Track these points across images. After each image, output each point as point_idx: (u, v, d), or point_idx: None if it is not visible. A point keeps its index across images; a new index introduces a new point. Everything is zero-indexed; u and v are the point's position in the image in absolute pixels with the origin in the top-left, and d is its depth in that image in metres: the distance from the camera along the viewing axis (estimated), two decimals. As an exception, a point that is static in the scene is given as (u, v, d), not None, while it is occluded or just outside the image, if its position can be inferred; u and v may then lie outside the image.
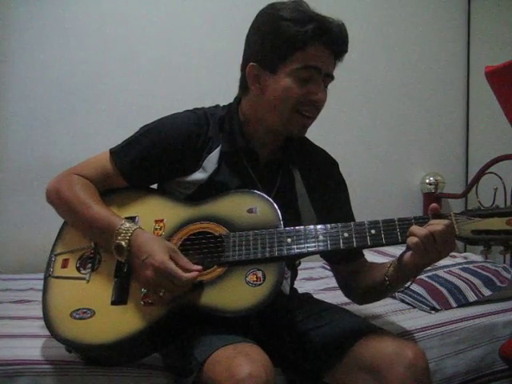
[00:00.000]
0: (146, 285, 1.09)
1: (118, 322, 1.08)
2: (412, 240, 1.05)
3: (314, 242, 1.11)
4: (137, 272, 1.10)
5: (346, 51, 1.22)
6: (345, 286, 1.36)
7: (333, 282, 1.49)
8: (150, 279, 1.06)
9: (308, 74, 1.16)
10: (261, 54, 1.18)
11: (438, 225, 1.05)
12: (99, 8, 2.26)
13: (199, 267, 1.07)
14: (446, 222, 1.06)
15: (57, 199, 1.21)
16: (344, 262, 1.33)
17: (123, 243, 1.09)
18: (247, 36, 1.23)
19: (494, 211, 1.08)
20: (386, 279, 1.17)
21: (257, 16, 1.22)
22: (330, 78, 1.22)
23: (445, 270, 1.80)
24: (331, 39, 1.16)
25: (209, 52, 2.39)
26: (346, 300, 1.40)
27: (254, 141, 1.26)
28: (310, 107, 1.18)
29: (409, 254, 1.09)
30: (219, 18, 2.41)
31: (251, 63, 1.19)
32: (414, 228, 1.06)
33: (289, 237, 1.11)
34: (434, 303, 1.64)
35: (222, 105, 1.32)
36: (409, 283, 1.19)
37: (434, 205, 1.11)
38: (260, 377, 0.94)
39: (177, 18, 2.37)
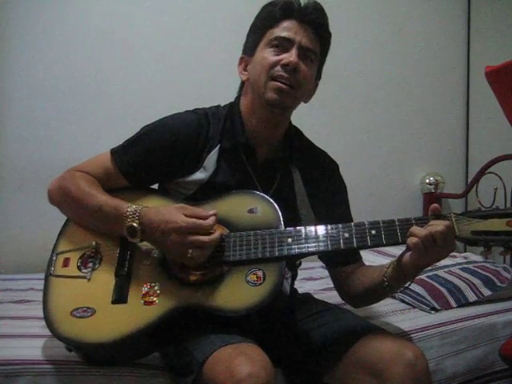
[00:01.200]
0: (173, 251, 1.09)
1: (118, 320, 1.08)
2: (412, 240, 1.05)
3: (314, 242, 1.11)
4: (160, 244, 1.11)
5: (324, 26, 1.24)
6: (342, 288, 1.36)
7: (333, 282, 1.49)
8: (176, 242, 1.07)
9: (279, 43, 1.20)
10: (246, 43, 1.28)
11: (438, 225, 1.04)
12: (100, 8, 2.26)
13: (214, 211, 1.11)
14: (446, 222, 1.06)
15: (60, 196, 1.22)
16: (342, 265, 1.32)
17: (135, 224, 1.10)
18: None
19: (494, 212, 1.08)
20: (385, 279, 1.17)
21: None
22: (311, 52, 1.22)
23: (445, 270, 1.80)
24: (300, 12, 1.21)
25: (209, 52, 2.39)
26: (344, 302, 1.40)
27: (252, 136, 1.26)
28: (284, 72, 1.18)
29: (408, 254, 1.09)
30: (220, 18, 2.41)
31: (241, 55, 1.28)
32: (414, 228, 1.06)
33: (289, 237, 1.11)
34: (434, 303, 1.64)
35: (222, 105, 1.32)
36: (408, 283, 1.19)
37: (434, 205, 1.11)
38: (260, 377, 0.94)
39: (177, 19, 2.37)
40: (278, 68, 1.18)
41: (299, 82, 1.20)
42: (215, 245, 1.09)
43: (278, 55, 1.19)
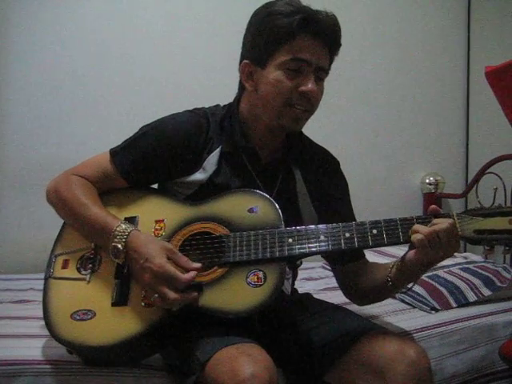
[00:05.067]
0: (145, 288, 1.09)
1: (118, 323, 1.07)
2: (416, 237, 1.05)
3: (315, 242, 1.10)
4: (136, 275, 1.10)
5: (338, 43, 1.21)
6: (345, 286, 1.36)
7: (333, 282, 1.49)
8: (149, 283, 1.05)
9: (296, 66, 1.15)
10: (252, 50, 1.20)
11: (442, 223, 1.05)
12: (99, 9, 2.26)
13: (198, 265, 1.07)
14: (450, 220, 1.06)
15: (56, 199, 1.21)
16: (345, 263, 1.32)
17: (119, 246, 1.08)
18: (243, 37, 1.24)
19: (497, 211, 1.08)
20: (389, 279, 1.17)
21: (251, 16, 1.23)
22: (324, 71, 1.20)
23: (445, 269, 1.80)
24: (319, 29, 1.15)
25: (208, 52, 2.39)
26: (347, 300, 1.40)
27: (254, 140, 1.25)
28: (301, 100, 1.17)
29: (411, 252, 1.09)
30: (219, 18, 2.41)
31: (244, 61, 1.21)
32: (418, 226, 1.07)
33: (290, 237, 1.11)
34: (434, 303, 1.64)
35: (222, 105, 1.32)
36: (411, 284, 1.19)
37: (433, 206, 1.11)
38: (263, 377, 0.94)
39: (176, 19, 2.37)
40: (296, 95, 1.16)
41: (313, 106, 1.20)
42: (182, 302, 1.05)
43: (293, 79, 1.15)
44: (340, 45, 1.22)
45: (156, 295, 1.04)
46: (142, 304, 1.09)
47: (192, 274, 1.05)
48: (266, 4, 1.21)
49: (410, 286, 1.20)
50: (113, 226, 1.11)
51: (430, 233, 1.04)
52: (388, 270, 1.18)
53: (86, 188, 1.20)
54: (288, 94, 1.16)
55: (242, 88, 1.27)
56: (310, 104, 1.18)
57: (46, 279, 1.17)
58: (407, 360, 1.04)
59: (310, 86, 1.15)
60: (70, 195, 1.18)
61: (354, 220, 1.33)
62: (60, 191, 1.20)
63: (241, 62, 1.23)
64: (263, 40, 1.17)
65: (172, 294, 1.03)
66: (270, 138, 1.26)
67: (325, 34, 1.16)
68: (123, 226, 1.11)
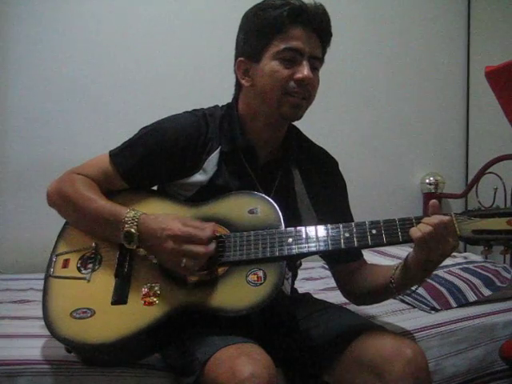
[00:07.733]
0: (167, 259, 1.09)
1: (118, 321, 1.08)
2: (415, 234, 1.05)
3: (315, 241, 1.11)
4: (155, 250, 1.11)
5: (328, 32, 1.22)
6: (343, 286, 1.36)
7: (333, 282, 1.49)
8: (171, 250, 1.06)
9: (290, 56, 1.17)
10: (246, 46, 1.22)
11: (435, 218, 1.05)
12: (99, 9, 2.26)
13: (211, 223, 1.10)
14: (442, 216, 1.06)
15: (59, 199, 1.21)
16: (343, 263, 1.33)
17: (132, 229, 1.10)
18: (236, 37, 1.26)
19: (495, 211, 1.09)
20: (392, 281, 1.17)
21: (242, 17, 1.24)
22: (318, 60, 1.21)
23: (445, 270, 1.80)
24: (309, 19, 1.17)
25: (208, 53, 2.39)
26: (346, 299, 1.40)
27: (253, 139, 1.26)
28: (299, 87, 1.17)
29: (412, 251, 1.10)
30: (218, 18, 2.41)
31: (239, 58, 1.23)
32: (414, 229, 1.07)
33: (290, 237, 1.11)
34: (434, 303, 1.64)
35: (220, 105, 1.32)
36: (415, 287, 1.19)
37: (433, 201, 1.11)
38: (262, 377, 0.94)
39: (176, 18, 2.37)
40: (292, 84, 1.16)
41: (311, 94, 1.21)
42: (210, 255, 1.08)
43: (288, 68, 1.17)
44: (331, 34, 1.24)
45: (184, 260, 1.05)
46: (142, 303, 1.09)
47: (211, 228, 1.08)
48: (256, 3, 1.22)
49: (413, 288, 1.20)
50: (122, 214, 1.12)
51: (427, 227, 1.04)
52: (391, 272, 1.18)
53: (90, 184, 1.21)
54: (285, 82, 1.17)
55: (238, 87, 1.28)
56: (307, 92, 1.19)
57: (46, 278, 1.17)
58: (404, 359, 1.04)
59: (305, 72, 1.16)
60: (74, 192, 1.18)
61: (352, 220, 1.33)
62: (63, 190, 1.20)
63: (235, 61, 1.25)
64: (255, 34, 1.19)
65: (201, 248, 1.05)
66: (270, 135, 1.26)
67: (314, 23, 1.18)
68: (132, 212, 1.12)
